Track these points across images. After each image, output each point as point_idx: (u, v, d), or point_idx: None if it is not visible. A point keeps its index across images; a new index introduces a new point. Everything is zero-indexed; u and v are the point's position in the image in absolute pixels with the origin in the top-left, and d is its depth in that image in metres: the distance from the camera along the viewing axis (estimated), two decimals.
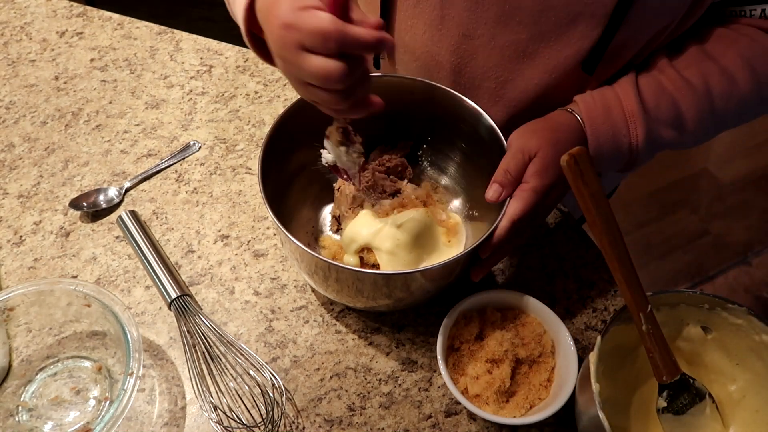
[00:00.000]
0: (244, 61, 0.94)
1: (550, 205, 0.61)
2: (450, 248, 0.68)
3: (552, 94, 0.67)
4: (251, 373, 0.61)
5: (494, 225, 0.57)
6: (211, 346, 0.62)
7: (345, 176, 0.63)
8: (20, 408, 0.61)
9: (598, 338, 0.54)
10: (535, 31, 0.62)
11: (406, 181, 0.72)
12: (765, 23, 0.63)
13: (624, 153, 0.62)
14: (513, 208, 0.57)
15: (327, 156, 0.61)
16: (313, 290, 0.70)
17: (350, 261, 0.65)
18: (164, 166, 0.81)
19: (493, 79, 0.68)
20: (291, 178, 0.69)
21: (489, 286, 0.70)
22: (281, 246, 0.63)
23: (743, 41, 0.63)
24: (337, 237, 0.71)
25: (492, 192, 0.59)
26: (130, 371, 0.56)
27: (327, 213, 0.73)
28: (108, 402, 0.61)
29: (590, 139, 0.61)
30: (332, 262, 0.56)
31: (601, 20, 0.59)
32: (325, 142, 0.60)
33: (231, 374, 0.61)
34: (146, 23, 1.01)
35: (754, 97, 0.63)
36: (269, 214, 0.57)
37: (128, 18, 1.01)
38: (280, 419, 0.60)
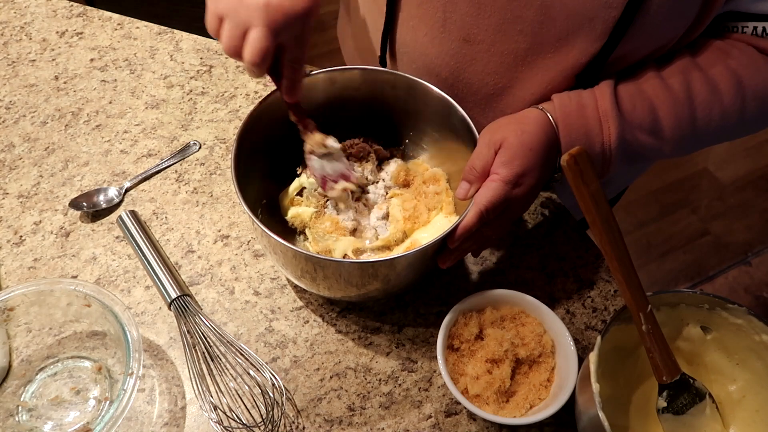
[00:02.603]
0: None
1: (522, 197, 0.60)
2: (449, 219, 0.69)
3: None
4: (251, 373, 0.61)
5: (462, 215, 0.57)
6: (211, 346, 0.62)
7: (337, 180, 0.65)
8: (20, 408, 0.61)
9: (598, 338, 0.54)
10: (535, 41, 0.62)
11: (372, 163, 0.72)
12: (757, 41, 0.62)
13: (597, 153, 0.62)
14: (481, 198, 0.58)
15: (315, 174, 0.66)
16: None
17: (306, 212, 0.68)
18: (164, 166, 0.81)
19: (490, 86, 0.69)
20: (269, 176, 0.70)
21: (489, 286, 0.70)
22: (271, 254, 0.64)
23: (732, 53, 0.63)
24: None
25: (460, 190, 0.61)
26: (130, 371, 0.56)
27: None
28: (108, 402, 0.61)
29: (562, 136, 0.61)
30: (313, 254, 0.57)
31: (600, 36, 0.59)
32: (310, 161, 0.65)
33: (231, 374, 0.61)
34: (146, 23, 1.01)
35: (737, 110, 0.62)
36: (257, 224, 0.58)
37: (128, 18, 1.01)
38: (280, 419, 0.60)
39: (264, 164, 0.68)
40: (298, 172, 0.71)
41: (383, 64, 0.78)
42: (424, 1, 0.66)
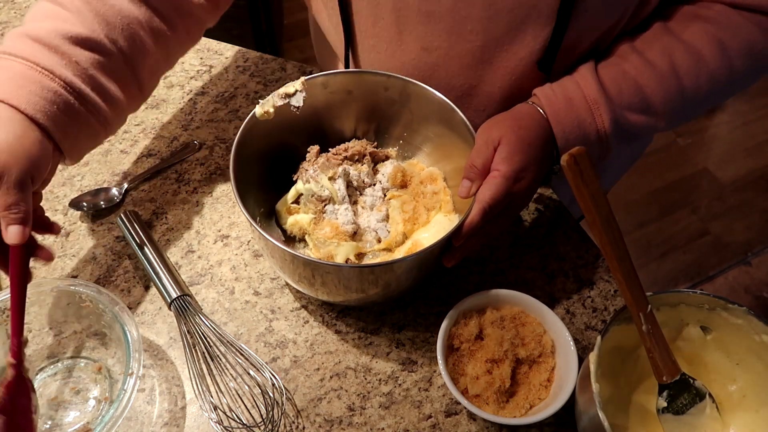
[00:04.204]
0: (244, 61, 0.94)
1: (523, 192, 0.61)
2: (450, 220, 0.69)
3: (516, 95, 0.68)
4: (251, 373, 0.61)
5: (466, 213, 0.57)
6: (211, 346, 0.62)
7: None
8: None
9: (598, 338, 0.54)
10: (488, 37, 0.63)
11: (367, 165, 0.72)
12: None
13: (593, 141, 0.63)
14: (483, 195, 0.58)
15: None
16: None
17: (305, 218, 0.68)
18: (164, 166, 0.81)
19: (458, 87, 0.70)
20: (267, 179, 0.71)
21: (489, 286, 0.70)
22: (270, 258, 0.64)
23: (710, 17, 0.63)
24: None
25: (462, 188, 0.61)
26: (130, 371, 0.56)
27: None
28: (108, 402, 0.61)
29: (556, 131, 0.62)
30: (314, 259, 0.57)
31: (548, 20, 0.60)
32: None
33: (231, 374, 0.61)
34: None
35: (725, 71, 0.63)
36: (254, 225, 0.58)
37: None
38: (280, 419, 0.60)
39: (260, 175, 0.69)
40: (294, 179, 0.71)
41: None
42: (378, 19, 0.67)
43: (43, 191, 0.78)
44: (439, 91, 0.66)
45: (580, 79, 0.63)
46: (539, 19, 0.60)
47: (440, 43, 0.66)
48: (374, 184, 0.72)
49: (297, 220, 0.68)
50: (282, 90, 0.67)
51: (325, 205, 0.68)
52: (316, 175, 0.68)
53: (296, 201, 0.70)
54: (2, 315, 0.62)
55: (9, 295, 0.60)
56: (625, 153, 0.93)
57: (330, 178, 0.68)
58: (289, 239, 0.70)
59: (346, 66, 0.76)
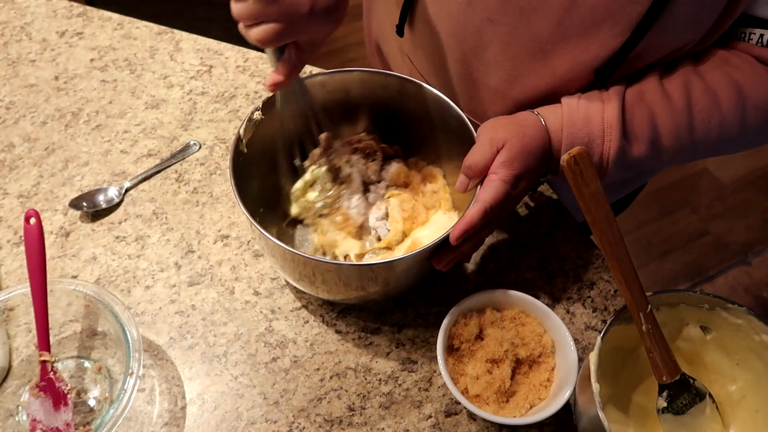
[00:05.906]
0: (244, 61, 0.94)
1: (517, 195, 0.61)
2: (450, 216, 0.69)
3: (559, 94, 0.66)
4: None
5: (465, 212, 0.57)
6: None
7: None
8: (20, 408, 0.61)
9: (598, 338, 0.54)
10: (558, 30, 0.61)
11: (377, 162, 0.72)
12: (760, 51, 0.61)
13: (595, 163, 0.62)
14: (485, 195, 0.57)
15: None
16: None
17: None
18: (164, 166, 0.81)
19: (506, 71, 0.67)
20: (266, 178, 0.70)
21: (489, 286, 0.70)
22: (270, 257, 0.64)
23: (734, 62, 0.62)
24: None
25: (458, 183, 0.61)
26: (130, 371, 0.56)
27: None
28: (108, 402, 0.61)
29: (565, 143, 0.61)
30: (311, 256, 0.57)
31: (623, 30, 0.58)
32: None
33: None
34: (146, 23, 1.01)
35: (737, 121, 0.62)
36: (255, 224, 0.57)
37: (128, 18, 1.01)
38: None
39: (259, 177, 0.68)
40: (305, 166, 0.69)
41: (400, 34, 0.77)
42: None
43: (43, 191, 0.79)
44: (486, 69, 0.64)
45: (606, 99, 0.61)
46: (615, 28, 0.58)
47: (508, 20, 0.63)
48: (378, 182, 0.72)
49: (310, 200, 0.67)
50: (252, 116, 0.65)
51: (342, 189, 0.68)
52: (331, 159, 0.68)
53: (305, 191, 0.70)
54: (2, 315, 0.62)
55: (11, 294, 0.60)
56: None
57: (345, 162, 0.68)
58: (288, 237, 0.70)
59: (402, 18, 0.74)
